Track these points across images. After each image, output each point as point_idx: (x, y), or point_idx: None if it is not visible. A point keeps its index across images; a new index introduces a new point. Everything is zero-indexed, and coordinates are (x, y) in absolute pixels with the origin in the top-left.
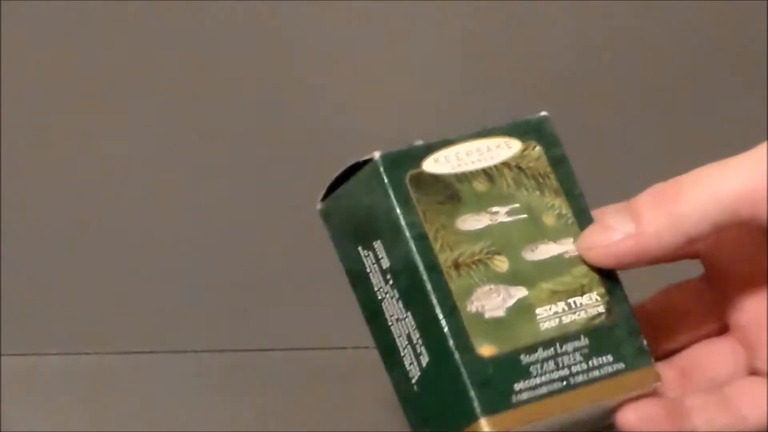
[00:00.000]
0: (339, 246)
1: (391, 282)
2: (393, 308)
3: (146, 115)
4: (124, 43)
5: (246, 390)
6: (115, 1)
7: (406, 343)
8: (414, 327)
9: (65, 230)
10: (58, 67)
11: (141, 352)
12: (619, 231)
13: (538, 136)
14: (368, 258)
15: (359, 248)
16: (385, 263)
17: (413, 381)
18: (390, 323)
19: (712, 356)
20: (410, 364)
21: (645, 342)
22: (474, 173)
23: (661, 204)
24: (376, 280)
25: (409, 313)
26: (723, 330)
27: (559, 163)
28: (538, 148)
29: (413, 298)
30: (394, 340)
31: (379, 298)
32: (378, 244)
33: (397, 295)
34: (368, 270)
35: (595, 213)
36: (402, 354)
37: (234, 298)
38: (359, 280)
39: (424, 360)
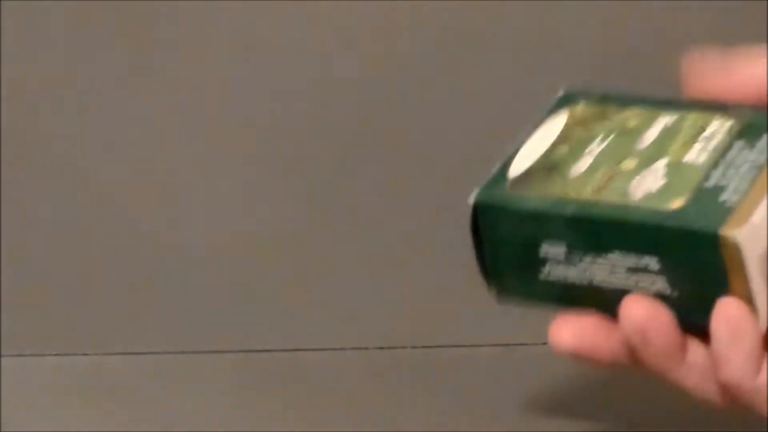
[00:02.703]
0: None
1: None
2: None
3: (147, 114)
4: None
5: (246, 390)
6: (113, 1)
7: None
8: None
9: (65, 230)
10: (58, 67)
11: (141, 352)
12: (752, 68)
13: (573, 99)
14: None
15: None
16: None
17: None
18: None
19: None
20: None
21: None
22: (551, 148)
23: None
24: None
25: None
26: None
27: (601, 98)
28: (579, 104)
29: (596, 240)
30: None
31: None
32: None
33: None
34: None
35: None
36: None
37: (234, 298)
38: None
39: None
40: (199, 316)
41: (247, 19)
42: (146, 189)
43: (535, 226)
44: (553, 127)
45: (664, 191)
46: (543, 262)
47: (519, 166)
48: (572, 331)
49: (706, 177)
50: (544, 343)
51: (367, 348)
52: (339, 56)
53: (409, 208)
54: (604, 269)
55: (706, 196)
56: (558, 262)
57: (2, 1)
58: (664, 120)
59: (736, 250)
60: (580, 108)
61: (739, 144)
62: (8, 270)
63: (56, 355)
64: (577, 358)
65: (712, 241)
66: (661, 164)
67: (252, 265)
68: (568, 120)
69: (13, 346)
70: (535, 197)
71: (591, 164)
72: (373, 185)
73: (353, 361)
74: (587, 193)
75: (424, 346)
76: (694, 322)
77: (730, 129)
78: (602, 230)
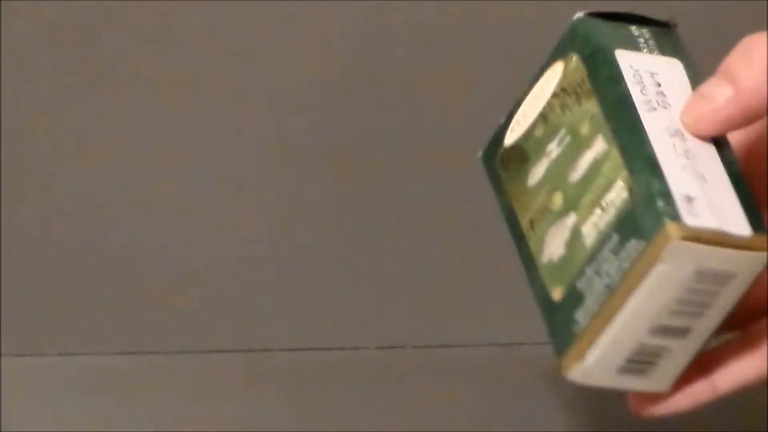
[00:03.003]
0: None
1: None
2: None
3: (147, 114)
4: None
5: (246, 390)
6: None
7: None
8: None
9: (65, 230)
10: (57, 67)
11: (141, 352)
12: (718, 96)
13: (574, 44)
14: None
15: None
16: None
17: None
18: None
19: None
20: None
21: (662, 202)
22: (534, 122)
23: (753, 60)
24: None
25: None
26: None
27: (591, 58)
28: (575, 57)
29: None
30: None
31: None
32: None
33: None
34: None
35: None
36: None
37: (234, 298)
38: None
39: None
40: (199, 316)
41: (250, 19)
42: (146, 189)
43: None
44: (547, 85)
45: (558, 267)
46: None
47: (511, 134)
48: None
49: (581, 273)
50: (545, 343)
51: (367, 348)
52: (339, 56)
53: (409, 209)
54: None
55: (571, 303)
56: None
57: (2, 1)
58: (599, 147)
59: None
60: (572, 67)
61: (614, 240)
62: (8, 270)
63: (56, 355)
64: None
65: (559, 361)
66: (570, 223)
67: (252, 265)
68: (558, 81)
69: (13, 346)
70: (504, 198)
71: (542, 177)
72: (372, 185)
73: (353, 361)
74: (526, 220)
75: (424, 346)
76: None
77: (619, 208)
78: (524, 268)
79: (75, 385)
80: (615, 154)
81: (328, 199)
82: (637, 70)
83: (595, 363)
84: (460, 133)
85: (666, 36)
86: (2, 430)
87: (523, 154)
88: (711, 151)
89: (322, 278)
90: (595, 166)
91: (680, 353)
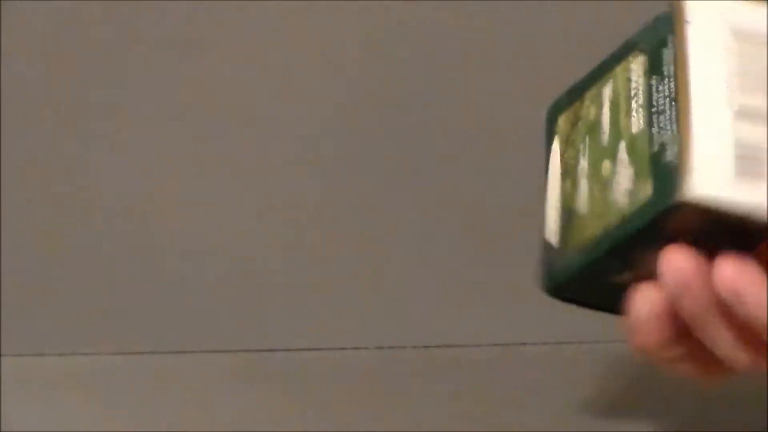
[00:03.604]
0: None
1: None
2: None
3: (147, 114)
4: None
5: (246, 390)
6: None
7: None
8: None
9: (65, 230)
10: (60, 67)
11: (141, 352)
12: None
13: (556, 115)
14: None
15: None
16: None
17: None
18: None
19: None
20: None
21: None
22: (560, 194)
23: None
24: None
25: None
26: None
27: (570, 93)
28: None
29: None
30: None
31: None
32: None
33: None
34: None
35: None
36: None
37: (234, 298)
38: None
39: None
40: (199, 316)
41: (251, 19)
42: (146, 189)
43: (590, 273)
44: (553, 162)
45: (636, 183)
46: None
47: (551, 227)
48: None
49: (651, 142)
50: (544, 343)
51: (367, 348)
52: (340, 56)
53: (410, 209)
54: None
55: (660, 166)
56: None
57: (2, 1)
58: (606, 91)
59: (699, 204)
60: (562, 122)
61: (654, 81)
62: (8, 270)
63: (56, 355)
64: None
65: (682, 206)
66: (623, 152)
67: (252, 265)
68: (559, 145)
69: (13, 346)
70: (575, 255)
71: (588, 190)
72: (372, 185)
73: (353, 361)
74: (595, 226)
75: (424, 346)
76: None
77: (644, 67)
78: (626, 250)
79: (75, 385)
80: (621, 68)
81: (328, 199)
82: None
83: (707, 168)
84: (461, 134)
85: None
86: (2, 430)
87: (566, 215)
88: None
89: (323, 278)
90: (613, 97)
91: None
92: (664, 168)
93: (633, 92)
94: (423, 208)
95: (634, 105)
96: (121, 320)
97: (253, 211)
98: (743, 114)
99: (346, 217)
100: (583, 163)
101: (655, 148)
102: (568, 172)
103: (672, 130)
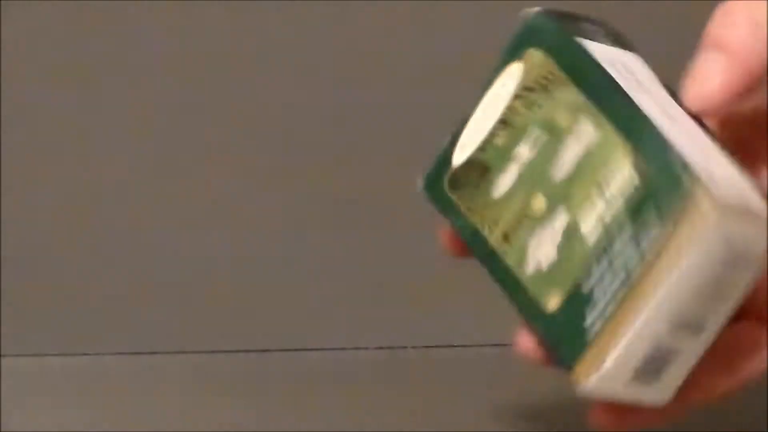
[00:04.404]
0: None
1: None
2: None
3: (147, 114)
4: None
5: (246, 391)
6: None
7: None
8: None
9: (65, 230)
10: (60, 66)
11: (141, 352)
12: (714, 72)
13: (531, 40)
14: None
15: None
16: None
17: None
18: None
19: None
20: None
21: (688, 178)
22: (492, 131)
23: (735, 20)
24: None
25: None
26: None
27: (559, 48)
28: (537, 52)
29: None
30: None
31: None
32: None
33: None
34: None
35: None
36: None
37: (234, 298)
38: None
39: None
40: (199, 316)
41: (258, 19)
42: (146, 189)
43: (462, 237)
44: (503, 90)
45: (551, 274)
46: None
47: (461, 151)
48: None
49: (587, 272)
50: None
51: (367, 348)
52: (340, 57)
53: (410, 208)
54: None
55: (576, 308)
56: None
57: (2, 1)
58: (587, 134)
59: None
60: (534, 62)
61: (627, 232)
62: (8, 270)
63: (56, 355)
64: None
65: (569, 372)
66: (560, 224)
67: (252, 264)
68: (518, 82)
69: (13, 346)
70: (461, 220)
71: (512, 184)
72: (372, 185)
73: (353, 361)
74: (497, 235)
75: (424, 346)
76: None
77: (630, 194)
78: (501, 286)
79: (75, 385)
80: (612, 137)
81: (328, 199)
82: (607, 58)
83: (614, 369)
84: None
85: (616, 34)
86: (2, 430)
87: (481, 167)
88: (699, 129)
89: (322, 278)
90: (587, 156)
91: (688, 356)
92: (578, 320)
93: (608, 192)
94: (423, 208)
95: (600, 206)
96: (121, 320)
97: (253, 211)
98: (679, 326)
99: (346, 217)
100: (526, 153)
101: (587, 286)
102: (509, 125)
103: (607, 307)
